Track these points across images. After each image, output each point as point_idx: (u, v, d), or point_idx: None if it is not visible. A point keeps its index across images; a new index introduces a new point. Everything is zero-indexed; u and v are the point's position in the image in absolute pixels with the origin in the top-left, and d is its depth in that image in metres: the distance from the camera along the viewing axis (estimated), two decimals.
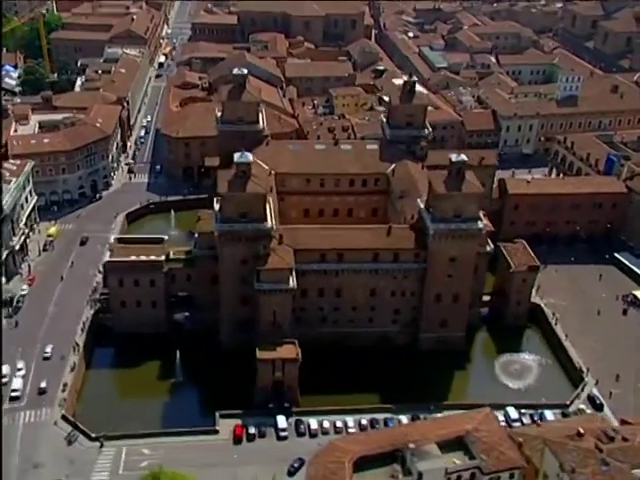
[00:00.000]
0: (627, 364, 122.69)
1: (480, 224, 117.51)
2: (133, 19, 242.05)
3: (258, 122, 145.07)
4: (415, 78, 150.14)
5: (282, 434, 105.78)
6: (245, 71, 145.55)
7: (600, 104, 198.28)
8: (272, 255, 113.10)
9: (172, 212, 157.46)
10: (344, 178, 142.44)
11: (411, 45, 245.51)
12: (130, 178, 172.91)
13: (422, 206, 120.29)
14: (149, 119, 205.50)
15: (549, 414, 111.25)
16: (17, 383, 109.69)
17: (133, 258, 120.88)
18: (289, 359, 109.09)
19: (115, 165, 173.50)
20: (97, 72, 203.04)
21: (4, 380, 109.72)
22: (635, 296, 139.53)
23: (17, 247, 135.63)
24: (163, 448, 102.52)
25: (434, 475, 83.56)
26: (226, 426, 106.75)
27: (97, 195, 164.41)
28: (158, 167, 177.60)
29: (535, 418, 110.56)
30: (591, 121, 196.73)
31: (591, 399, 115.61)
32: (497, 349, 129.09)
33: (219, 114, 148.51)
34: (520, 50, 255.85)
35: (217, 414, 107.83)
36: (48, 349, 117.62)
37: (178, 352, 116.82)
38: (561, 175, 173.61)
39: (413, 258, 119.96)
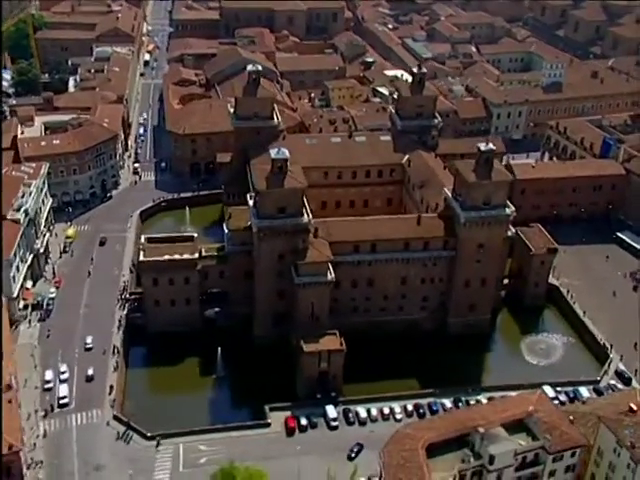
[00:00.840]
0: None
1: (508, 210, 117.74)
2: (118, 17, 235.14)
3: (273, 117, 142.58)
4: (424, 70, 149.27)
5: (333, 424, 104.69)
6: (259, 67, 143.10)
7: (583, 89, 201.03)
8: (310, 249, 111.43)
9: (187, 209, 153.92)
10: (360, 170, 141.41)
11: (393, 37, 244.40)
12: (137, 176, 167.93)
13: (449, 195, 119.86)
14: (145, 117, 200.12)
15: (584, 391, 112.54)
16: (63, 390, 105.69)
17: (167, 257, 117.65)
18: (335, 350, 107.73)
19: (121, 164, 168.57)
20: (90, 71, 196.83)
21: (48, 386, 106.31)
22: None
23: (41, 250, 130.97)
24: (219, 444, 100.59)
25: (504, 458, 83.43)
26: (276, 418, 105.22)
27: (108, 194, 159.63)
28: (163, 164, 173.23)
29: (571, 396, 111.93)
30: (575, 106, 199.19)
31: (619, 374, 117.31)
32: (520, 330, 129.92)
33: (232, 110, 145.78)
34: (495, 39, 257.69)
35: (266, 407, 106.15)
36: (89, 340, 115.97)
37: (220, 349, 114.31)
38: (554, 159, 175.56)
39: (442, 246, 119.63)
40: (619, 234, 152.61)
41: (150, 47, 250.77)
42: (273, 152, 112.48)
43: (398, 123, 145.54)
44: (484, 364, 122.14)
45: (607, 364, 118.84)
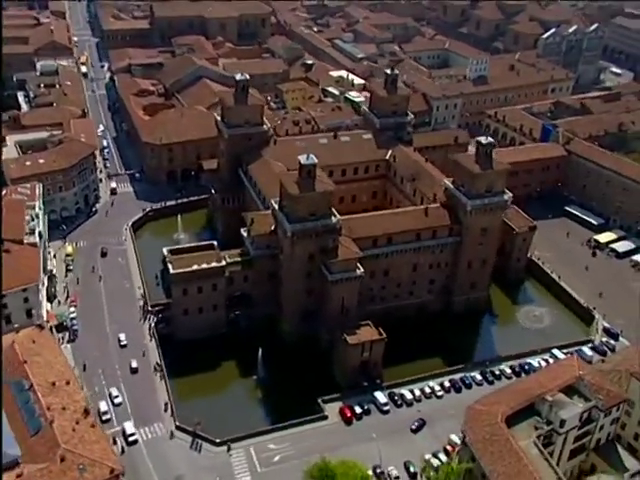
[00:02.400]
0: (618, 294, 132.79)
1: (506, 196, 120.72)
2: (52, 30, 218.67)
3: (263, 123, 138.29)
4: (397, 71, 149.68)
5: (384, 408, 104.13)
6: (247, 76, 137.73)
7: (504, 81, 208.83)
8: (340, 247, 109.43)
9: (179, 217, 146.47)
10: (349, 167, 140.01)
11: (321, 39, 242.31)
12: (114, 189, 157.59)
13: (451, 186, 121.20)
14: (102, 128, 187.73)
15: (587, 350, 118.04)
16: (129, 427, 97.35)
17: (195, 267, 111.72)
18: (377, 339, 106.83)
19: (101, 178, 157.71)
20: (40, 86, 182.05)
21: (106, 417, 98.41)
22: (597, 240, 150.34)
23: (54, 270, 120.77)
24: (286, 440, 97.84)
25: (572, 420, 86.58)
26: (331, 410, 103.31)
27: (92, 209, 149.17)
28: (137, 175, 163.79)
29: (576, 356, 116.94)
30: (499, 96, 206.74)
31: (606, 331, 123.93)
32: (512, 301, 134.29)
33: (219, 118, 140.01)
34: (409, 38, 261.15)
35: (319, 400, 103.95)
36: (133, 361, 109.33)
37: (260, 350, 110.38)
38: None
39: (448, 233, 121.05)
40: (567, 208, 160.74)
41: (83, 58, 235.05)
42: (302, 158, 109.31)
43: (376, 121, 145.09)
44: (491, 336, 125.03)
45: (595, 324, 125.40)
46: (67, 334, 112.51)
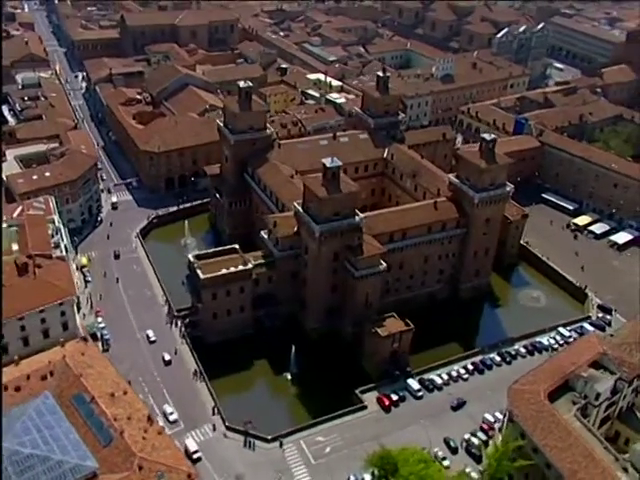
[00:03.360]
0: (604, 273, 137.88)
1: (508, 188, 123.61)
2: (27, 42, 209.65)
3: (266, 128, 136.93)
4: (389, 74, 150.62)
5: (418, 394, 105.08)
6: (250, 83, 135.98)
7: (469, 79, 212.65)
8: (364, 244, 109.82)
9: (186, 222, 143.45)
10: (350, 167, 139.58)
11: (289, 43, 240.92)
12: (114, 198, 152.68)
13: (456, 180, 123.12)
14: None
15: (588, 326, 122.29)
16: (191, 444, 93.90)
17: (224, 271, 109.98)
18: (406, 330, 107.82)
19: (102, 188, 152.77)
20: (24, 99, 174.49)
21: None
22: (575, 224, 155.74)
23: (78, 282, 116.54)
24: (332, 432, 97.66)
25: (605, 392, 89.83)
26: (368, 399, 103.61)
27: (98, 219, 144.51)
28: (135, 183, 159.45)
29: (579, 332, 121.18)
30: (465, 93, 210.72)
31: (600, 307, 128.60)
32: (510, 285, 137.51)
33: (221, 124, 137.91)
34: (368, 40, 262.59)
35: (357, 391, 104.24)
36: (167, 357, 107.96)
37: (293, 347, 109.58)
38: (470, 140, 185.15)
39: (455, 225, 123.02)
40: (544, 195, 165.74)
41: (57, 68, 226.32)
42: (327, 161, 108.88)
43: (370, 121, 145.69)
44: (498, 318, 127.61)
45: (589, 301, 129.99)
46: (100, 344, 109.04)
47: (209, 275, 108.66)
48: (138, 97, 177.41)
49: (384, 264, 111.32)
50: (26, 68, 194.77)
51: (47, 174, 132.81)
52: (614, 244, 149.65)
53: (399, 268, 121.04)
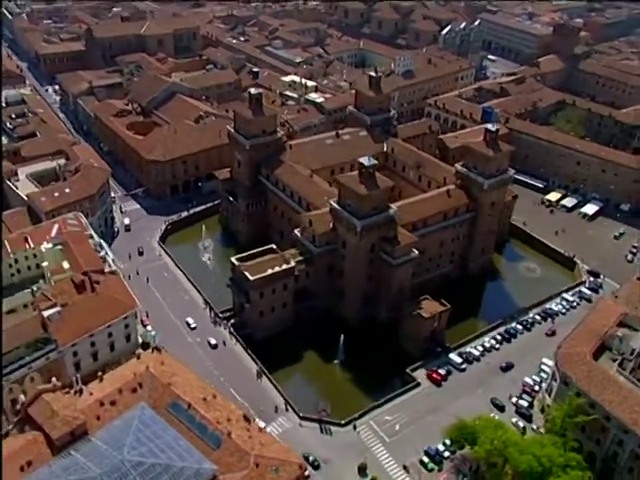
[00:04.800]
0: (582, 241, 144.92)
1: (510, 172, 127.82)
2: None
3: (277, 131, 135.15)
4: (381, 73, 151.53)
5: (462, 367, 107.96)
6: (260, 90, 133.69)
7: (427, 74, 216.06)
8: (399, 235, 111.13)
9: (203, 226, 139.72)
10: (356, 163, 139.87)
11: (251, 47, 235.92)
12: (126, 220, 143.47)
13: (463, 169, 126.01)
14: None
15: (585, 290, 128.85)
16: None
17: (270, 271, 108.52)
18: (444, 310, 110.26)
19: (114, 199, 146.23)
20: (12, 117, 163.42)
21: None
22: (548, 200, 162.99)
23: None
24: (396, 410, 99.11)
25: (639, 347, 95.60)
26: (419, 376, 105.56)
27: (114, 230, 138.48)
28: (139, 191, 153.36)
29: (580, 296, 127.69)
30: (424, 87, 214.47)
31: (589, 272, 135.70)
32: (506, 260, 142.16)
33: (232, 130, 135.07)
34: (321, 41, 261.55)
35: (407, 370, 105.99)
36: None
37: (342, 336, 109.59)
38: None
39: (465, 210, 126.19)
40: (515, 176, 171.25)
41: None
42: (365, 160, 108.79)
43: (366, 118, 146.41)
44: (504, 290, 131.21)
45: (580, 268, 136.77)
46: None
47: (258, 276, 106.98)
48: (128, 108, 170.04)
49: (416, 252, 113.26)
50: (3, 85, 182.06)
51: (67, 190, 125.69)
52: (585, 215, 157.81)
53: (421, 254, 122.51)
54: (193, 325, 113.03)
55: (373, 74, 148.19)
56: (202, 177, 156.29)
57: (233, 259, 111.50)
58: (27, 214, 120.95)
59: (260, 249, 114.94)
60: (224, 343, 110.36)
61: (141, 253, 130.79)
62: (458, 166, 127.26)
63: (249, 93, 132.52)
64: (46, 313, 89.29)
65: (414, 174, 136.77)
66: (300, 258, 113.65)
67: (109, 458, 72.60)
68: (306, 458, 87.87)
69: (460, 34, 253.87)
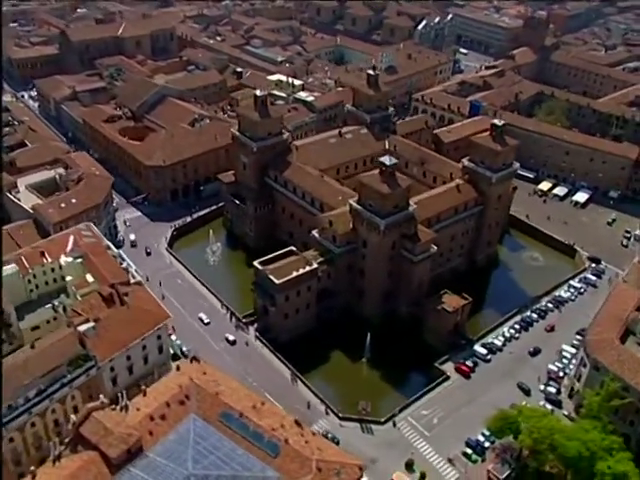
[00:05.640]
0: (577, 229, 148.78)
1: (515, 166, 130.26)
2: None
3: (282, 133, 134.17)
4: (378, 72, 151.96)
5: (487, 357, 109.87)
6: (266, 92, 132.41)
7: (408, 69, 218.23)
8: (419, 231, 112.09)
9: (210, 231, 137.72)
10: (359, 161, 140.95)
11: (229, 47, 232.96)
12: (132, 236, 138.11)
13: (471, 164, 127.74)
14: None
15: (590, 276, 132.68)
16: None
17: (295, 273, 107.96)
18: (466, 303, 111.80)
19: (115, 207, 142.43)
20: None
21: None
22: (541, 189, 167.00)
23: None
24: (431, 405, 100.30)
25: None
26: (448, 370, 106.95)
27: (119, 238, 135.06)
28: (139, 198, 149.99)
29: (585, 282, 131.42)
30: (406, 82, 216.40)
31: (590, 258, 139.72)
32: (508, 250, 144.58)
33: (237, 133, 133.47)
34: (297, 39, 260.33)
35: (436, 364, 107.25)
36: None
37: (369, 334, 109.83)
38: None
39: (474, 204, 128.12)
40: None
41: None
42: (386, 159, 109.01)
43: (366, 117, 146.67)
44: (514, 280, 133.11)
45: (580, 255, 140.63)
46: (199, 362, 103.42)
47: (284, 279, 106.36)
48: (118, 113, 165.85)
49: (435, 247, 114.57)
50: None
51: (74, 201, 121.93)
52: (576, 203, 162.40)
53: None
54: (231, 338, 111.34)
55: (371, 72, 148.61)
56: (201, 180, 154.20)
57: (256, 263, 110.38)
58: (34, 227, 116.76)
59: (280, 252, 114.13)
60: (246, 343, 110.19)
61: (149, 254, 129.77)
62: (465, 161, 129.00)
63: (255, 95, 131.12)
64: (81, 328, 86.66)
65: (418, 170, 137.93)
66: (321, 259, 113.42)
67: (173, 474, 71.31)
68: None
69: (435, 29, 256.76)
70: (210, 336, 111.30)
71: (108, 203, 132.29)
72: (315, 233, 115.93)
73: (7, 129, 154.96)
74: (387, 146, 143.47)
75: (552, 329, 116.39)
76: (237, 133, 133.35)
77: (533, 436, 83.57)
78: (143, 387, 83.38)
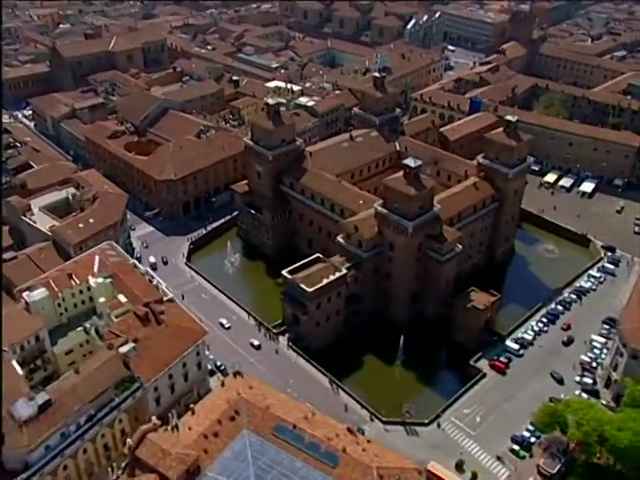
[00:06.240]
0: (588, 218, 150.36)
1: (530, 160, 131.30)
2: None
3: (295, 140, 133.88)
4: (385, 74, 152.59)
5: (519, 352, 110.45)
6: (278, 100, 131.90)
7: (403, 68, 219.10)
8: (444, 231, 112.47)
9: (228, 242, 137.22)
10: (372, 164, 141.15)
11: (222, 55, 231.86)
12: (152, 259, 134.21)
13: (486, 161, 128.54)
14: None
15: (608, 265, 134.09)
16: None
17: (325, 281, 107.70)
18: (496, 300, 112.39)
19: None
20: None
21: None
22: (547, 181, 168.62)
23: None
24: (472, 403, 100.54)
25: None
26: (483, 367, 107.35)
27: (135, 255, 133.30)
28: (150, 214, 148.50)
29: (603, 271, 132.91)
30: (401, 81, 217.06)
31: (604, 247, 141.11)
32: (523, 243, 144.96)
33: (250, 142, 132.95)
34: (286, 43, 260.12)
35: (471, 362, 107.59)
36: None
37: (402, 337, 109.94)
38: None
39: (491, 200, 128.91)
40: None
41: None
42: (410, 161, 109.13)
43: (375, 119, 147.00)
44: (533, 273, 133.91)
45: (595, 245, 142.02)
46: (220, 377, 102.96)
47: (315, 287, 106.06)
48: (121, 128, 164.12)
49: (460, 246, 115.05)
50: None
51: (91, 220, 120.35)
52: (584, 193, 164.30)
53: None
54: (256, 343, 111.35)
55: (377, 75, 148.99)
56: (211, 192, 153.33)
57: (285, 272, 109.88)
58: (54, 249, 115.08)
59: (307, 259, 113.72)
60: (276, 351, 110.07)
61: (165, 262, 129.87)
62: (480, 158, 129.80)
63: (266, 104, 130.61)
64: (122, 350, 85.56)
65: (431, 170, 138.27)
66: (348, 264, 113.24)
67: None
68: None
69: (424, 27, 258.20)
70: (243, 349, 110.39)
71: (124, 221, 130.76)
72: (340, 239, 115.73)
73: (10, 151, 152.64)
74: (398, 147, 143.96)
75: (568, 327, 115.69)
76: (250, 142, 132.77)
77: (583, 429, 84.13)
78: (192, 406, 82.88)
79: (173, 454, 73.68)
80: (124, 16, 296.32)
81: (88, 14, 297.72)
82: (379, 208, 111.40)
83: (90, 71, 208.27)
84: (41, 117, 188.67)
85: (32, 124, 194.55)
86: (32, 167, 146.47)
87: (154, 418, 77.77)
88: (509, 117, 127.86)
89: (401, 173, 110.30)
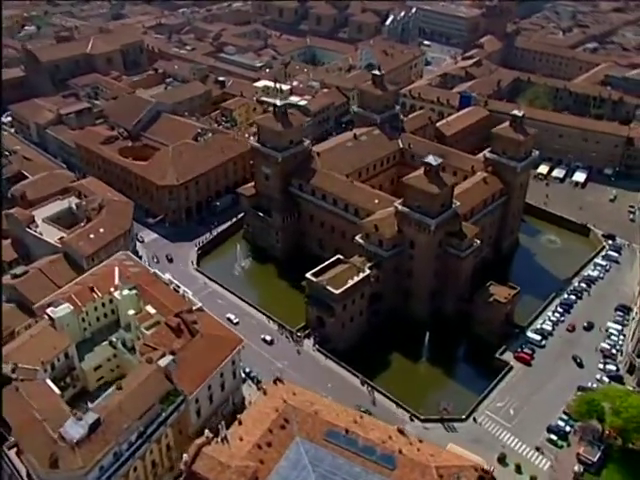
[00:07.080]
0: (585, 208, 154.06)
1: (536, 153, 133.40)
2: None
3: (303, 141, 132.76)
4: (384, 72, 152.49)
5: (541, 343, 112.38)
6: (285, 102, 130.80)
7: (387, 65, 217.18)
8: (463, 227, 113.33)
9: (237, 246, 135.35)
10: (378, 162, 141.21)
11: (202, 56, 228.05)
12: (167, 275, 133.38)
13: (493, 156, 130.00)
14: None
15: (612, 253, 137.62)
16: None
17: (350, 282, 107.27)
18: (515, 293, 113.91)
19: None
20: None
21: None
22: (541, 173, 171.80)
23: None
24: (504, 395, 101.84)
25: None
26: (509, 360, 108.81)
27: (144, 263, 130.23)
28: (153, 220, 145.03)
29: (608, 259, 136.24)
30: (387, 78, 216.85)
31: (605, 235, 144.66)
32: (525, 235, 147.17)
33: (256, 144, 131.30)
34: (265, 42, 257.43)
35: (497, 355, 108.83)
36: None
37: (427, 334, 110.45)
38: None
39: (500, 194, 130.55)
40: None
41: None
42: (431, 159, 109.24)
43: (376, 117, 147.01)
44: (539, 263, 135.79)
45: (595, 234, 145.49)
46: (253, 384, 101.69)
47: (341, 289, 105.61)
48: (114, 134, 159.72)
49: (478, 241, 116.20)
50: None
51: (101, 230, 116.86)
52: (577, 184, 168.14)
53: None
54: (279, 357, 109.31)
55: (377, 72, 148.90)
56: (212, 195, 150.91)
57: (308, 275, 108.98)
58: (65, 261, 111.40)
59: (329, 262, 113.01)
60: (297, 352, 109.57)
61: (170, 260, 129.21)
62: (487, 153, 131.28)
63: (274, 106, 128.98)
64: (161, 363, 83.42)
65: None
66: (369, 264, 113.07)
67: None
68: None
69: (402, 23, 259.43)
70: (269, 354, 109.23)
71: (131, 229, 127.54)
72: (359, 239, 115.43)
73: (4, 160, 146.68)
74: (401, 145, 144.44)
75: (573, 329, 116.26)
76: (257, 145, 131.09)
77: (623, 416, 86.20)
78: (238, 416, 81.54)
79: (232, 467, 72.46)
80: (93, 17, 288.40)
81: (55, 15, 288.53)
82: (400, 207, 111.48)
83: (69, 75, 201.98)
84: (23, 124, 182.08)
85: (12, 130, 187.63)
86: (25, 177, 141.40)
87: (207, 431, 76.20)
88: (515, 111, 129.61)
89: (421, 171, 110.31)
